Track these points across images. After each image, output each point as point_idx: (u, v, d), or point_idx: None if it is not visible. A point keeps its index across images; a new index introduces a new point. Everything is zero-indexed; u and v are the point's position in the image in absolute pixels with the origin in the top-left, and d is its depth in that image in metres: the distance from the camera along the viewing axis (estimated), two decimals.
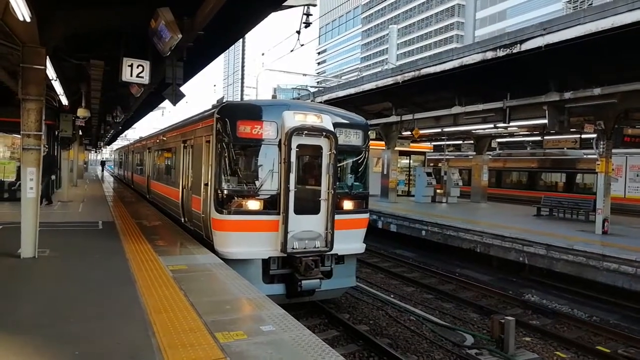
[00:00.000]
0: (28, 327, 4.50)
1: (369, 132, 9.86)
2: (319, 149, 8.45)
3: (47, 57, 7.62)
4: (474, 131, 20.41)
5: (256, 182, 8.30)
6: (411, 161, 25.93)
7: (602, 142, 12.94)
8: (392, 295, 10.50)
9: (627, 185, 21.29)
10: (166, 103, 25.94)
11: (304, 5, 11.27)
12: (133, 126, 45.57)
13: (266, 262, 8.12)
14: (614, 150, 13.42)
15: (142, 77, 8.37)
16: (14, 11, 5.77)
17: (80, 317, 4.86)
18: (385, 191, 21.30)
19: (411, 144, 23.11)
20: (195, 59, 10.44)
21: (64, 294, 5.66)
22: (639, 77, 10.52)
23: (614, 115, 12.73)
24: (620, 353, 7.74)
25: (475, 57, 11.97)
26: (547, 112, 12.71)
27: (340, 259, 8.83)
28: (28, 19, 6.02)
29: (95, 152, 67.54)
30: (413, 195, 23.52)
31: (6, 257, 7.24)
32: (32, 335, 4.32)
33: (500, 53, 11.21)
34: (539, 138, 23.48)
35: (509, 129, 17.96)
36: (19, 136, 8.10)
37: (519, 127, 17.78)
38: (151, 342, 4.22)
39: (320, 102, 18.57)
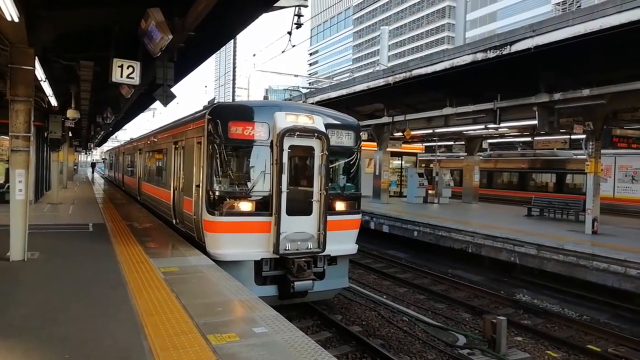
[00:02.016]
0: (17, 330, 4.45)
1: (361, 133, 9.87)
2: (310, 150, 8.44)
3: (36, 57, 7.54)
4: (465, 132, 20.53)
5: (248, 184, 8.28)
6: (403, 162, 26.03)
7: (591, 143, 13.06)
8: (384, 296, 10.51)
9: (616, 186, 21.52)
10: (157, 104, 25.82)
11: (295, 6, 11.25)
12: (124, 127, 45.29)
13: (258, 264, 8.10)
14: (603, 151, 13.56)
15: (132, 78, 8.29)
16: (2, 11, 5.70)
17: (71, 319, 4.82)
18: (378, 192, 21.34)
19: (403, 145, 23.19)
20: (186, 59, 10.38)
21: (53, 297, 5.60)
22: (628, 78, 10.64)
23: (603, 116, 12.86)
24: (611, 352, 7.80)
25: (466, 59, 12.03)
26: (537, 113, 12.82)
27: (332, 260, 8.83)
28: (16, 19, 5.94)
29: (86, 153, 66.99)
30: (405, 196, 23.59)
31: None
32: (22, 338, 4.27)
33: (491, 54, 11.28)
34: (529, 139, 23.68)
35: (499, 129, 18.11)
36: (7, 138, 8.01)
37: (510, 128, 17.92)
38: (142, 344, 4.18)
39: (312, 103, 18.56)
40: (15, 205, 7.26)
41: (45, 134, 17.73)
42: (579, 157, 22.22)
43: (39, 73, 9.04)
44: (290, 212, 8.13)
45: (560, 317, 9.44)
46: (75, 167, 47.13)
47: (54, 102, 13.27)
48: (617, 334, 8.48)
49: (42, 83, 10.27)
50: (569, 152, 23.48)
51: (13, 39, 7.04)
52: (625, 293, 9.60)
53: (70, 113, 14.32)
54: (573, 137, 18.98)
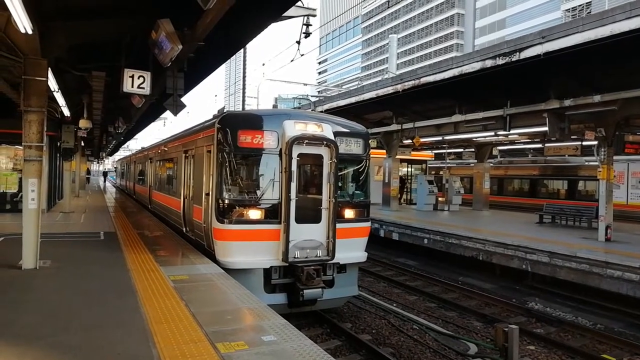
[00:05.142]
0: (28, 338, 4.48)
1: (370, 141, 9.87)
2: (319, 158, 8.46)
3: (49, 68, 7.68)
4: (474, 139, 20.43)
5: (257, 192, 8.31)
6: (412, 169, 26.00)
7: (603, 149, 12.93)
8: (394, 304, 10.44)
9: (629, 192, 21.23)
10: (167, 113, 26.09)
11: (304, 15, 11.35)
12: (135, 137, 45.78)
13: (268, 272, 8.10)
14: (615, 157, 13.40)
15: (143, 88, 8.41)
16: (16, 23, 5.82)
17: (81, 327, 4.85)
18: (387, 199, 21.28)
19: (412, 152, 23.14)
20: (196, 69, 10.50)
21: (64, 305, 5.64)
22: (639, 84, 10.54)
23: (615, 122, 12.73)
24: None
25: (475, 66, 12.01)
26: (547, 119, 12.72)
27: (342, 267, 8.80)
28: (30, 31, 6.08)
29: (98, 162, 67.75)
30: (415, 204, 23.50)
31: (7, 269, 7.24)
32: (33, 345, 4.30)
33: (500, 61, 11.24)
34: (540, 145, 23.47)
35: (509, 136, 17.98)
36: (21, 147, 8.15)
37: (520, 134, 17.79)
38: (152, 352, 4.20)
39: (321, 112, 18.62)
40: (28, 214, 7.35)
41: (58, 144, 17.99)
42: (590, 163, 21.98)
43: (52, 84, 9.19)
44: (299, 220, 8.14)
45: (574, 325, 9.29)
46: (88, 177, 47.61)
47: (66, 112, 13.47)
48: (632, 342, 8.32)
49: (55, 94, 10.44)
50: (580, 158, 23.24)
51: (26, 51, 7.17)
52: None
53: (83, 123, 14.54)
54: (585, 143, 18.78)
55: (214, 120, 8.88)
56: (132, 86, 8.36)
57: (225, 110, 10.43)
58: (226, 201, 8.18)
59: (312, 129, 8.43)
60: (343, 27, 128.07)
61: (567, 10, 66.57)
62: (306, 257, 8.17)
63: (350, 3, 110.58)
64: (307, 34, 15.60)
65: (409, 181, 25.94)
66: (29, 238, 7.31)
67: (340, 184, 8.89)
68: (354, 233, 8.92)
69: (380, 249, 16.25)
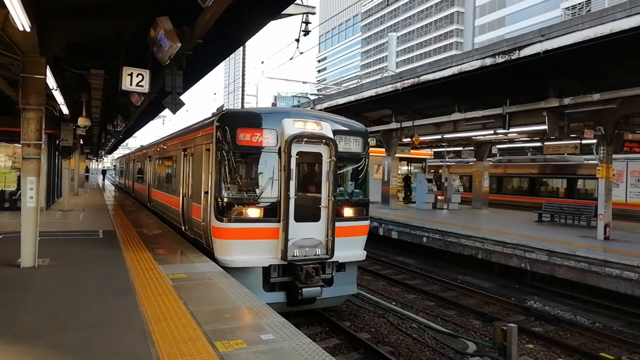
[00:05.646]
0: (27, 337, 4.47)
1: (369, 139, 9.86)
2: (318, 156, 8.45)
3: (47, 66, 7.65)
4: (474, 137, 20.42)
5: (256, 190, 8.31)
6: (412, 168, 25.99)
7: (602, 148, 12.93)
8: (393, 303, 10.44)
9: (628, 191, 21.23)
10: (167, 112, 26.04)
11: (303, 13, 11.34)
12: (134, 135, 45.75)
13: (267, 270, 8.10)
14: (614, 156, 13.39)
15: (141, 86, 8.39)
16: (14, 21, 5.80)
17: (80, 326, 4.84)
18: (386, 198, 21.28)
19: (411, 151, 23.13)
20: (194, 67, 10.47)
21: (63, 304, 5.63)
22: (638, 82, 10.53)
23: (614, 121, 12.72)
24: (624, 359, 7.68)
25: (474, 64, 11.99)
26: (546, 118, 12.70)
27: (341, 266, 8.80)
28: (28, 29, 6.06)
29: (97, 161, 67.69)
30: (414, 202, 23.50)
31: (6, 267, 7.23)
32: (31, 345, 4.29)
33: (499, 59, 11.23)
34: (539, 144, 23.49)
35: (509, 135, 17.96)
36: (20, 145, 8.14)
37: (519, 133, 17.78)
38: (150, 351, 4.19)
39: (320, 110, 18.59)
40: (26, 212, 7.33)
41: (57, 142, 17.96)
42: (590, 162, 21.99)
43: (51, 82, 9.17)
44: (298, 219, 8.14)
45: (573, 324, 9.31)
46: (87, 175, 47.55)
47: (65, 110, 13.44)
48: (630, 341, 8.34)
49: (53, 91, 10.41)
50: (579, 157, 23.24)
51: (25, 48, 7.15)
52: (638, 300, 9.45)
53: (82, 121, 14.51)
54: (584, 142, 18.78)
55: (213, 118, 8.87)
56: (131, 84, 8.33)
57: (224, 109, 10.41)
58: (225, 199, 8.17)
59: (311, 127, 8.42)
60: (342, 25, 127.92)
61: (567, 8, 66.49)
62: (305, 256, 8.17)
63: (350, 1, 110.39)
64: (307, 32, 15.59)
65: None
66: (28, 236, 7.29)
67: (339, 183, 8.88)
68: (353, 231, 8.92)
69: (379, 248, 16.25)
